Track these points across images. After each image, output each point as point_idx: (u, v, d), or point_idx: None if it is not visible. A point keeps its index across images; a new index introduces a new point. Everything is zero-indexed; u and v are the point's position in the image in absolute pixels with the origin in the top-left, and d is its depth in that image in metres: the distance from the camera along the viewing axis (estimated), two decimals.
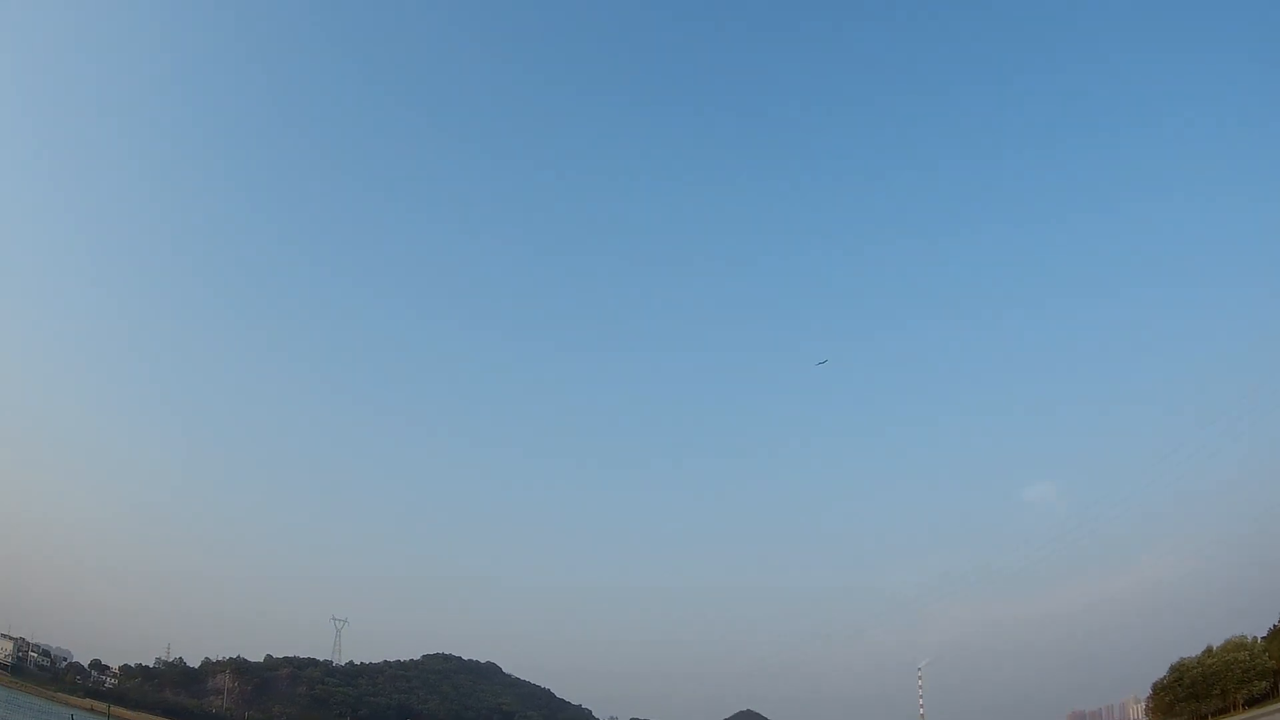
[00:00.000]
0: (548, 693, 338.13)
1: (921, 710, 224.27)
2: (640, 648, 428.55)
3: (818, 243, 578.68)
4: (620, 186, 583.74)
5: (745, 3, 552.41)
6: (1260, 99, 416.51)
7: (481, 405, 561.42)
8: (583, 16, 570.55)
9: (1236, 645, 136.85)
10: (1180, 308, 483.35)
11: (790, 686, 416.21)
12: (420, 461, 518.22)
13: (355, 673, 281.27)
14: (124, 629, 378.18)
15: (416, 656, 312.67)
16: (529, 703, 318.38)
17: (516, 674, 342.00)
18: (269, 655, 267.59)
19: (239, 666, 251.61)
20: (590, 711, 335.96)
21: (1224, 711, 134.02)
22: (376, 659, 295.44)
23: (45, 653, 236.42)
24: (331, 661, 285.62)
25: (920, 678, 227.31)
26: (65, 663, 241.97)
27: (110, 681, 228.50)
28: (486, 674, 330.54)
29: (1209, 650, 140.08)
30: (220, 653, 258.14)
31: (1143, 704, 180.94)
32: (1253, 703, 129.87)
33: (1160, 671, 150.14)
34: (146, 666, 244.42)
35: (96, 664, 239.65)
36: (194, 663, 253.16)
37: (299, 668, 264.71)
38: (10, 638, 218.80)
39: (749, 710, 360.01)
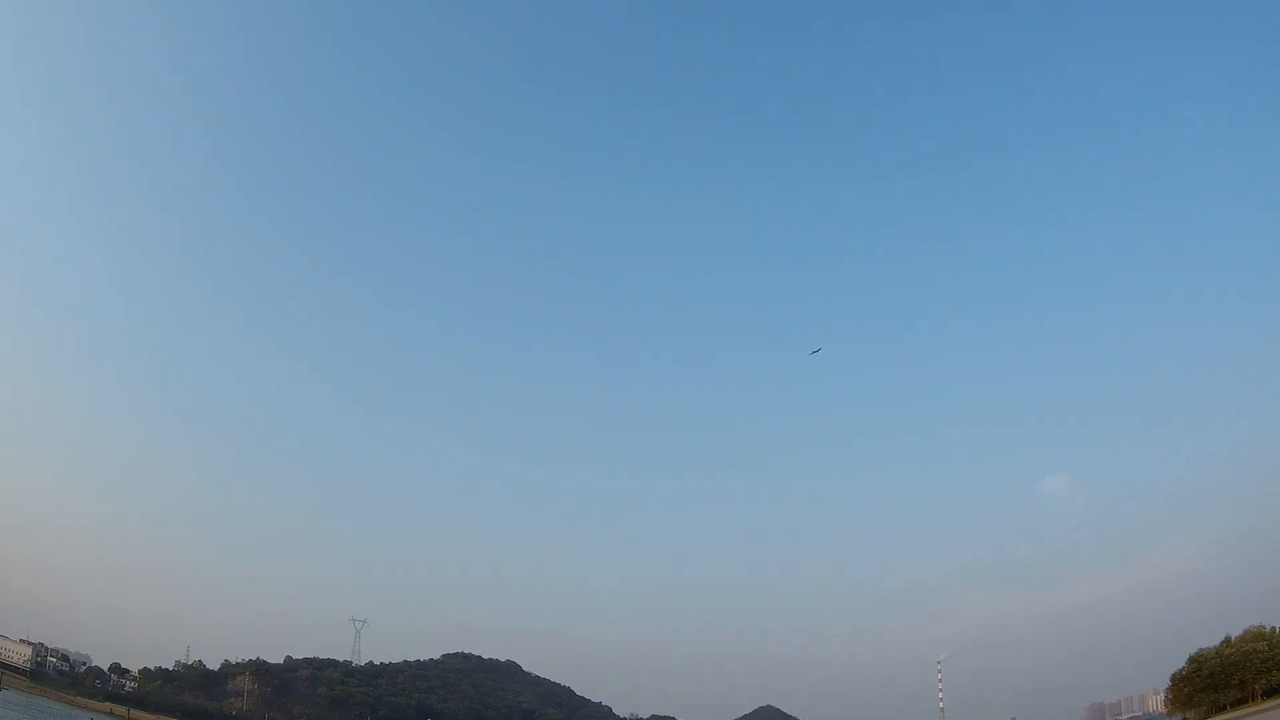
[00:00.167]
0: (568, 690, 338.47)
1: (941, 704, 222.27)
2: (660, 645, 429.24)
3: (822, 242, 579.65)
4: (620, 186, 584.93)
5: (746, 2, 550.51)
6: (1261, 99, 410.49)
7: (495, 405, 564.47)
8: (583, 17, 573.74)
9: (1255, 635, 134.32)
10: (1198, 301, 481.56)
11: (810, 682, 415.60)
12: (436, 462, 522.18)
13: (375, 673, 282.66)
14: (143, 632, 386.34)
15: (436, 656, 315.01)
16: (549, 701, 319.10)
17: (536, 672, 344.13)
18: (288, 657, 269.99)
19: (258, 668, 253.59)
20: (610, 709, 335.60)
21: (1243, 701, 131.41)
22: (396, 659, 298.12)
23: (64, 657, 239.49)
24: (351, 662, 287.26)
25: (940, 672, 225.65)
26: (84, 667, 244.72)
27: (130, 685, 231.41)
28: (506, 672, 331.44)
29: (1227, 640, 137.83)
30: (239, 655, 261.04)
31: (1162, 695, 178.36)
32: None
33: (1179, 662, 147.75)
34: (166, 669, 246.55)
35: (116, 667, 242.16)
36: (213, 665, 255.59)
37: (319, 669, 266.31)
38: (29, 643, 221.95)
39: (769, 706, 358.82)
